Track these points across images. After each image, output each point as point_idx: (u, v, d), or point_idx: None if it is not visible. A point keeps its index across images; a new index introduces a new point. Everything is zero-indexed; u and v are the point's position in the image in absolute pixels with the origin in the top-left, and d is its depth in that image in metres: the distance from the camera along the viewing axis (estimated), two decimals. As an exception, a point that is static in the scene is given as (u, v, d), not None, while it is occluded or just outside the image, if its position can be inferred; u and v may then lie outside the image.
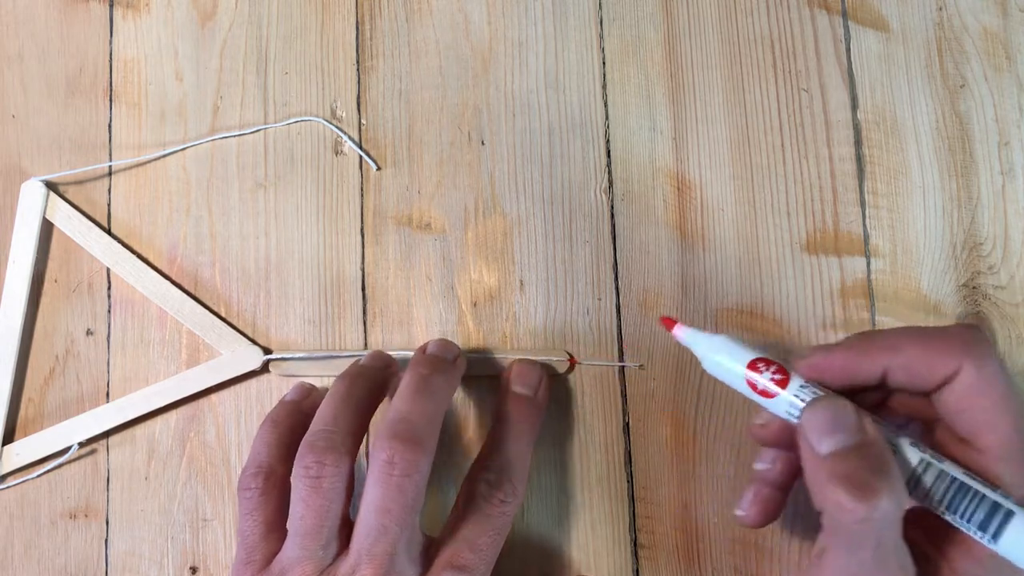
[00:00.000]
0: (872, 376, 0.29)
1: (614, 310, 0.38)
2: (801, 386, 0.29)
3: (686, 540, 0.36)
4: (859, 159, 0.39)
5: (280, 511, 0.32)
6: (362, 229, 0.39)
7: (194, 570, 0.37)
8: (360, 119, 0.39)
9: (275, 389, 0.37)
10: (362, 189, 0.39)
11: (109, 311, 0.38)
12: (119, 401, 0.37)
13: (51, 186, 0.39)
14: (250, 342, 0.37)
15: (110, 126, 0.39)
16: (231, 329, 0.37)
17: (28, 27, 0.40)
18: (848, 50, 0.39)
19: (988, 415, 0.27)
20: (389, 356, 0.35)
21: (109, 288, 0.38)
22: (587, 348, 0.37)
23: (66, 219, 0.38)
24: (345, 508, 0.31)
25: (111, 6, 0.40)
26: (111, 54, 0.40)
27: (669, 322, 0.32)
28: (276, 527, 0.32)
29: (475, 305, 0.38)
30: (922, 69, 0.39)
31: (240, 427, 0.37)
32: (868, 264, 0.38)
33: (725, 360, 0.30)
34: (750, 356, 0.30)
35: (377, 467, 0.30)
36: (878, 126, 0.39)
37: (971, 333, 0.28)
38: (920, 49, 0.39)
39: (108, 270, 0.38)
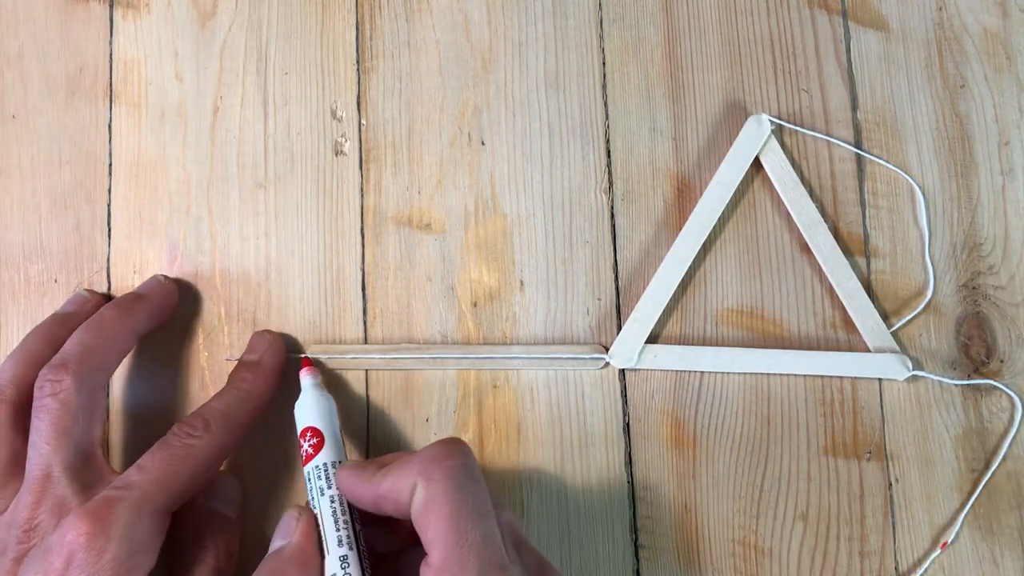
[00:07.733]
0: (382, 504, 0.29)
1: (614, 310, 0.38)
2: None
3: (686, 540, 0.36)
4: (859, 159, 0.39)
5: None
6: (362, 229, 0.39)
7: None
8: (360, 119, 0.39)
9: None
10: (362, 189, 0.39)
11: (109, 311, 0.38)
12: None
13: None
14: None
15: (110, 126, 0.39)
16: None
17: (28, 27, 0.40)
18: (848, 50, 0.39)
19: (432, 532, 0.27)
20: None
21: (109, 288, 0.38)
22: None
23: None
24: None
25: (111, 6, 0.40)
26: (111, 54, 0.40)
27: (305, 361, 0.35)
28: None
29: (475, 305, 0.38)
30: (922, 69, 0.39)
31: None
32: (868, 264, 0.38)
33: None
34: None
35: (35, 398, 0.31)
36: (878, 126, 0.39)
37: (435, 450, 0.29)
38: (920, 49, 0.39)
39: (108, 269, 0.38)
